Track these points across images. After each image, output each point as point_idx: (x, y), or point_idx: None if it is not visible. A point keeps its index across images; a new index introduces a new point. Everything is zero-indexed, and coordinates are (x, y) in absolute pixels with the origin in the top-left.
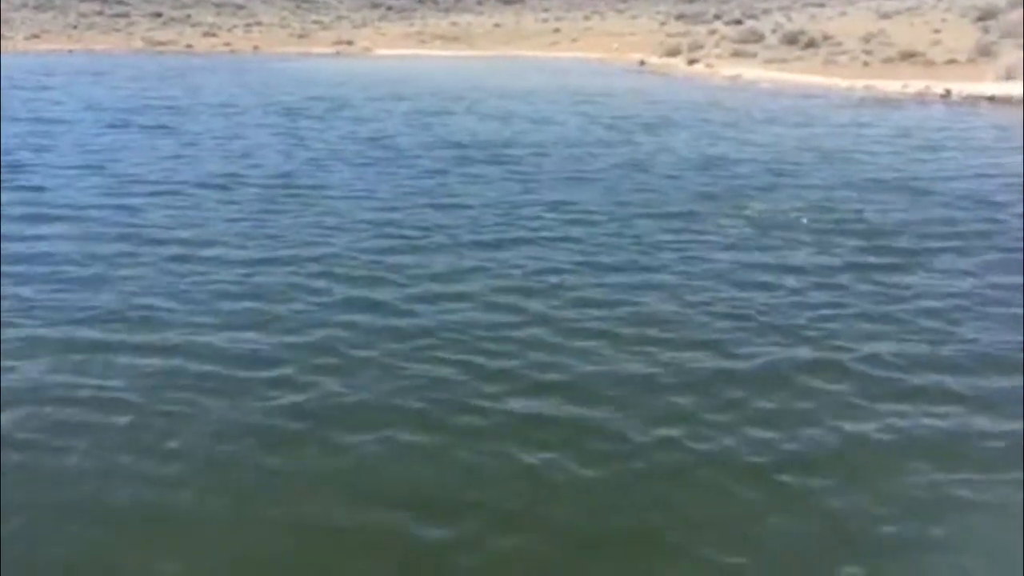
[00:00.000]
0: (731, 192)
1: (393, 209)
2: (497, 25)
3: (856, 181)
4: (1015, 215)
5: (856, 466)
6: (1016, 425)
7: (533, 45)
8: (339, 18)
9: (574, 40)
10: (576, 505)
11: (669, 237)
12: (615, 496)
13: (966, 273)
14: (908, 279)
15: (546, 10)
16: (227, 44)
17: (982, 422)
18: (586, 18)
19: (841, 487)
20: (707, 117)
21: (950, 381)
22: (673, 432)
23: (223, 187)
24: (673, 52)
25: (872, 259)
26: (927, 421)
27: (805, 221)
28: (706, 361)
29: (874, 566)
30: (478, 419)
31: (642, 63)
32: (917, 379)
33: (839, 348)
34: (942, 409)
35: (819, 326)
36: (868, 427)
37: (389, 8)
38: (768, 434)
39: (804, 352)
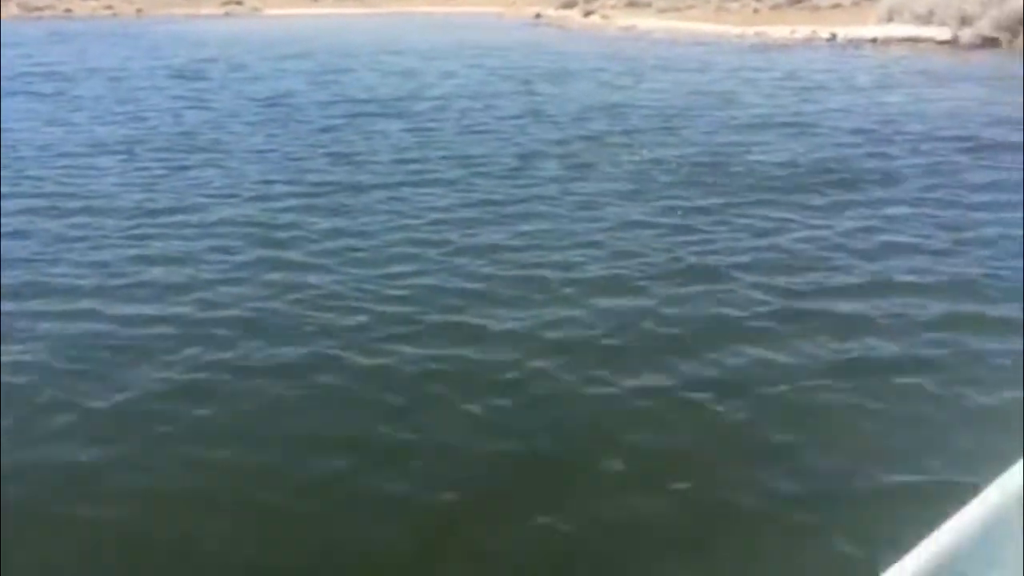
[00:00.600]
0: (625, 137)
1: (293, 166)
2: None
3: (746, 123)
4: (896, 149)
5: (751, 383)
6: (895, 346)
7: (428, 0)
8: None
9: None
10: (487, 433)
11: (562, 184)
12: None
13: (849, 205)
14: (790, 214)
15: None
16: (108, 7)
17: (873, 342)
18: None
19: (743, 404)
20: (602, 67)
21: (842, 305)
22: (571, 366)
23: (118, 152)
24: (569, 4)
25: (763, 196)
26: (818, 345)
27: (687, 167)
28: (606, 301)
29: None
30: (385, 360)
31: (538, 16)
32: (805, 304)
33: (730, 279)
34: (831, 333)
35: (704, 260)
36: (760, 349)
37: None
38: (683, 363)
39: (695, 287)
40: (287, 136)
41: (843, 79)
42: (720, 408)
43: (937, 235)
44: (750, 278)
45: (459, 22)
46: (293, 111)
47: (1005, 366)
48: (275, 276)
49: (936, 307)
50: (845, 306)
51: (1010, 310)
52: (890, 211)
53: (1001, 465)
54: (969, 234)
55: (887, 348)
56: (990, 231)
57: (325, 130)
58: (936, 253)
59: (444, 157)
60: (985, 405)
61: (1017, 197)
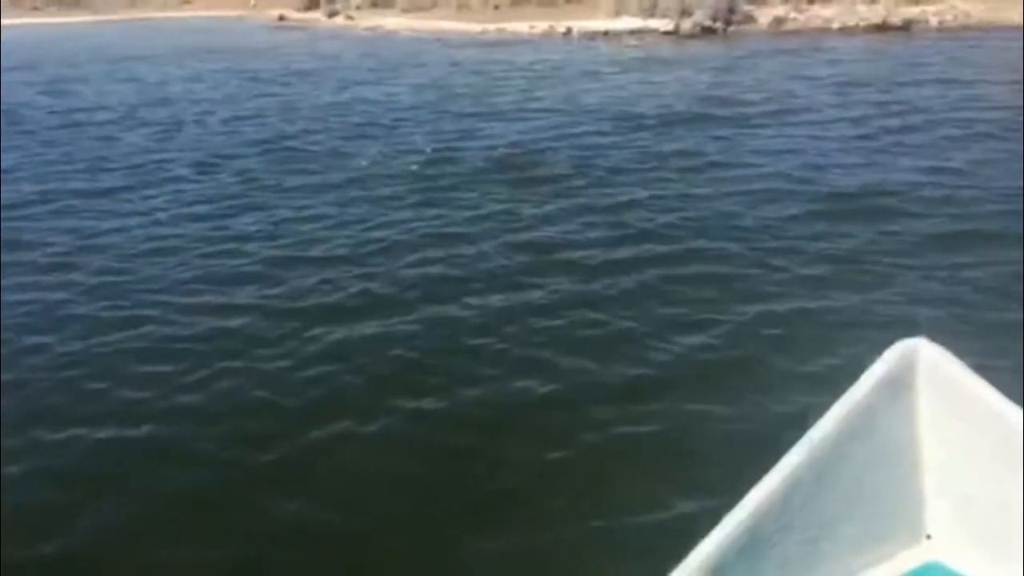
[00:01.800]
0: (343, 135)
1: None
2: None
3: (489, 111)
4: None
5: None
6: None
7: (163, 6)
8: None
9: None
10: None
11: (286, 183)
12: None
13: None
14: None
15: None
16: None
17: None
18: None
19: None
20: (341, 66)
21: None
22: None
23: None
24: (312, 6)
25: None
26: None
27: (417, 166)
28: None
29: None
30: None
31: (282, 19)
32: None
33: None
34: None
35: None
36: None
37: None
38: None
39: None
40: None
41: (573, 68)
42: None
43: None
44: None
45: (198, 27)
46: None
47: None
48: None
49: None
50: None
51: None
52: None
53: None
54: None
55: None
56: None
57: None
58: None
59: (166, 160)
60: None
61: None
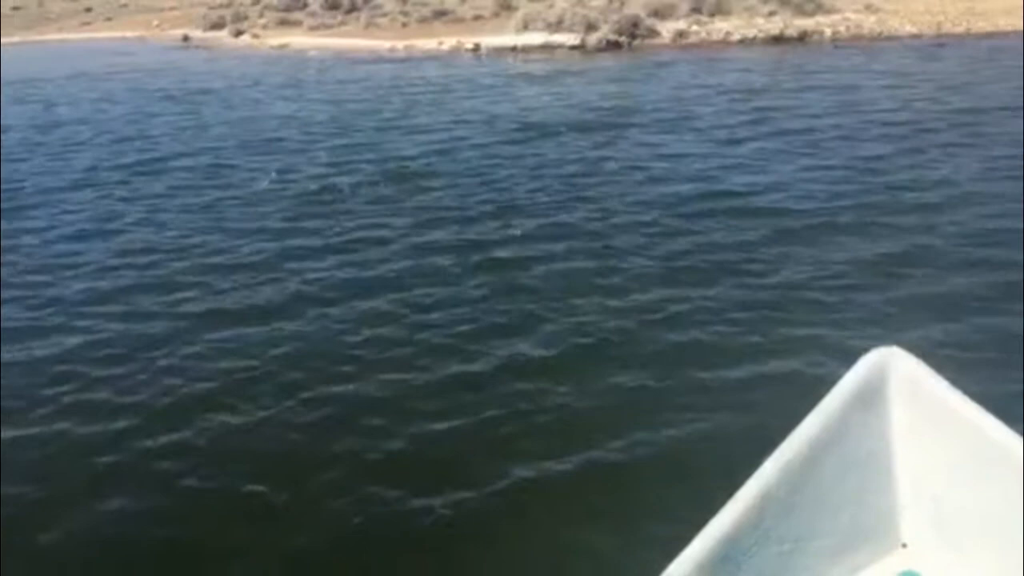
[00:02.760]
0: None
1: None
2: (16, 8)
3: (386, 126)
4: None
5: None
6: None
7: (61, 28)
8: None
9: (109, 19)
10: None
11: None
12: None
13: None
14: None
15: None
16: None
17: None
18: None
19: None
20: (240, 85)
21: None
22: None
23: None
24: (218, 25)
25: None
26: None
27: (273, 179)
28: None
29: None
30: None
31: (186, 39)
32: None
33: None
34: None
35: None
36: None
37: None
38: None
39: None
40: None
41: (475, 82)
42: None
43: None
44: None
45: (100, 48)
46: None
47: None
48: None
49: None
50: None
51: None
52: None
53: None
54: None
55: None
56: None
57: None
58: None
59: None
60: None
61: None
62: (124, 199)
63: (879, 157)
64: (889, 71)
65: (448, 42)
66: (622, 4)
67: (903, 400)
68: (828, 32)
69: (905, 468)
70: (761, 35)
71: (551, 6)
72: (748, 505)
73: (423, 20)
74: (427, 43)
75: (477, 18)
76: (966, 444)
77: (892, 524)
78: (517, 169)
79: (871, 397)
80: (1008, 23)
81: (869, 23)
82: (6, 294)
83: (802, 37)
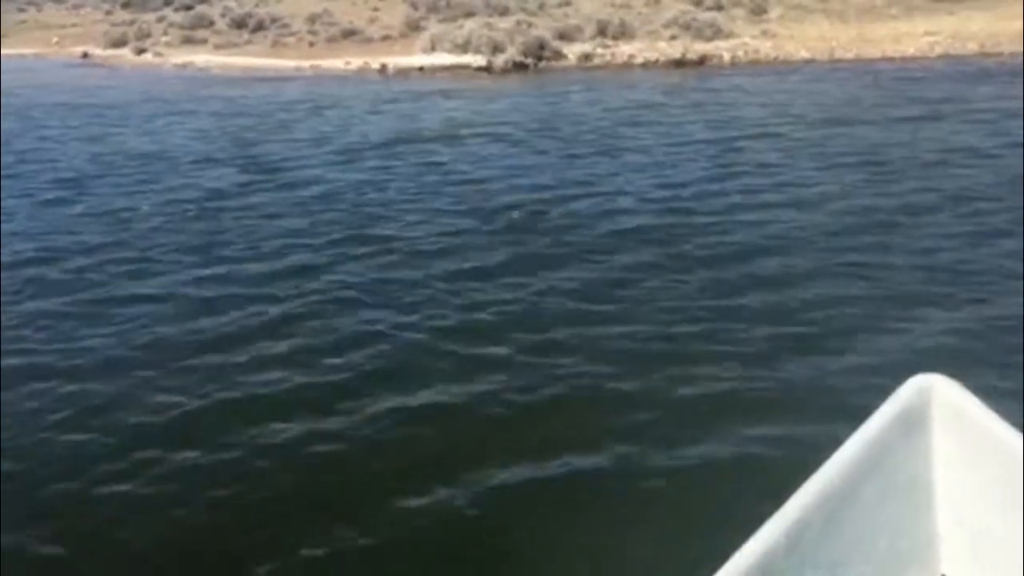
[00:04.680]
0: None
1: None
2: None
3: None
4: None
5: None
6: None
7: None
8: None
9: (5, 36)
10: None
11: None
12: None
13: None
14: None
15: None
16: None
17: None
18: (20, 10)
19: None
20: (117, 105)
21: None
22: None
23: None
24: (119, 43)
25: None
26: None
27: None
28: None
29: None
30: None
31: (86, 56)
32: None
33: None
34: None
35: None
36: None
37: None
38: None
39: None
40: None
41: (375, 102)
42: None
43: None
44: None
45: None
46: None
47: None
48: None
49: None
50: None
51: None
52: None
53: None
54: None
55: None
56: None
57: None
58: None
59: None
60: None
61: None
62: None
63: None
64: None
65: (355, 62)
66: (529, 26)
67: (946, 427)
68: (727, 56)
69: (946, 496)
70: (663, 58)
71: (460, 27)
72: (785, 528)
73: (331, 40)
74: (334, 63)
75: (386, 38)
76: (1009, 474)
77: (931, 553)
78: (393, 185)
79: (913, 423)
80: (895, 49)
81: (766, 48)
82: None
83: (702, 60)
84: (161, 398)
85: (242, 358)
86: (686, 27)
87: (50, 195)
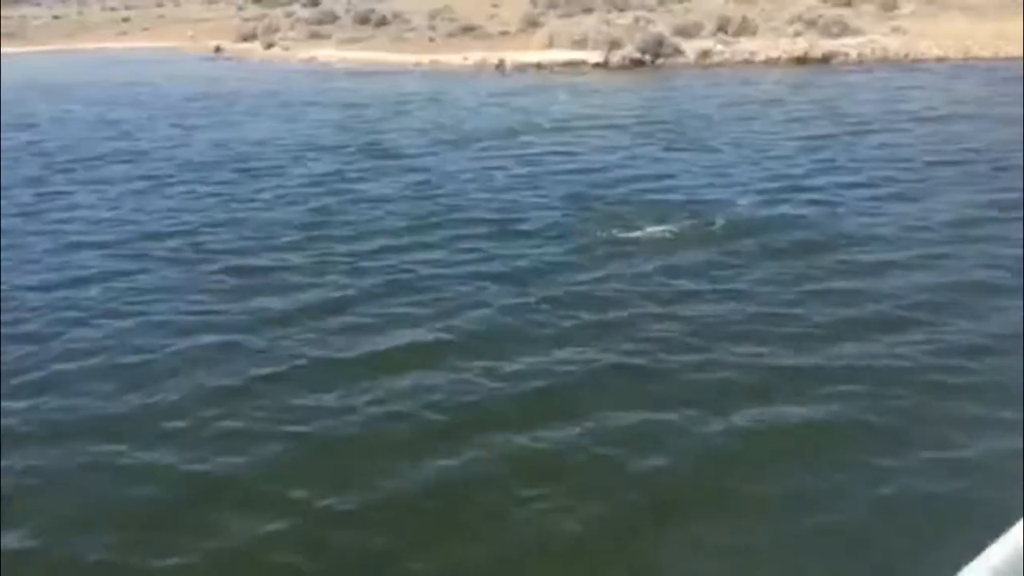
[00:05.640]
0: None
1: None
2: (57, 17)
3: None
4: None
5: None
6: None
7: (99, 37)
8: None
9: (145, 30)
10: None
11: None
12: None
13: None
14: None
15: None
16: None
17: None
18: (159, 5)
19: None
20: (259, 104)
21: None
22: None
23: None
24: (250, 37)
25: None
26: None
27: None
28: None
29: None
30: None
31: (218, 50)
32: None
33: None
34: None
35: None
36: None
37: None
38: None
39: None
40: None
41: (491, 94)
42: None
43: None
44: None
45: (132, 58)
46: None
47: None
48: None
49: None
50: None
51: None
52: None
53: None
54: None
55: None
56: None
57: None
58: None
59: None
60: None
61: None
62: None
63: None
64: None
65: (472, 57)
66: (648, 22)
67: None
68: (853, 54)
69: None
70: (785, 56)
71: (578, 23)
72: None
73: (450, 35)
74: (452, 58)
75: (504, 34)
76: None
77: None
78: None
79: None
80: None
81: (895, 46)
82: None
83: (826, 59)
84: (303, 349)
85: (371, 317)
86: (811, 23)
87: (181, 176)
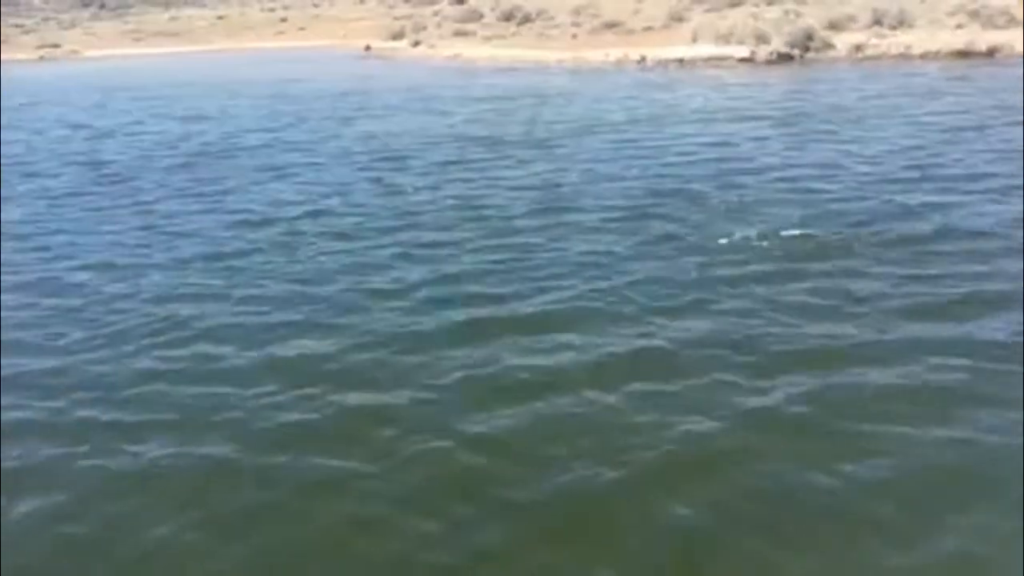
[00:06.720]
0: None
1: None
2: (221, 18)
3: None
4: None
5: None
6: None
7: (259, 36)
8: (45, 20)
9: (301, 29)
10: None
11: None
12: None
13: None
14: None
15: None
16: None
17: None
18: (315, 5)
19: None
20: (406, 98)
21: None
22: None
23: None
24: (398, 35)
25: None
26: None
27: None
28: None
29: None
30: None
31: (368, 48)
32: None
33: None
34: None
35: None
36: None
37: (102, 6)
38: None
39: None
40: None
41: (631, 87)
42: None
43: None
44: None
45: (288, 57)
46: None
47: None
48: None
49: None
50: None
51: None
52: None
53: None
54: None
55: None
56: None
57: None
58: None
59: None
60: None
61: None
62: None
63: None
64: None
65: (614, 54)
66: (798, 16)
67: None
68: (1020, 47)
69: None
70: (945, 49)
71: (724, 18)
72: None
73: (593, 31)
74: (593, 55)
75: (648, 29)
76: None
77: None
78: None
79: None
80: None
81: None
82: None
83: (991, 52)
84: (448, 312)
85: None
86: (974, 15)
87: (328, 162)
